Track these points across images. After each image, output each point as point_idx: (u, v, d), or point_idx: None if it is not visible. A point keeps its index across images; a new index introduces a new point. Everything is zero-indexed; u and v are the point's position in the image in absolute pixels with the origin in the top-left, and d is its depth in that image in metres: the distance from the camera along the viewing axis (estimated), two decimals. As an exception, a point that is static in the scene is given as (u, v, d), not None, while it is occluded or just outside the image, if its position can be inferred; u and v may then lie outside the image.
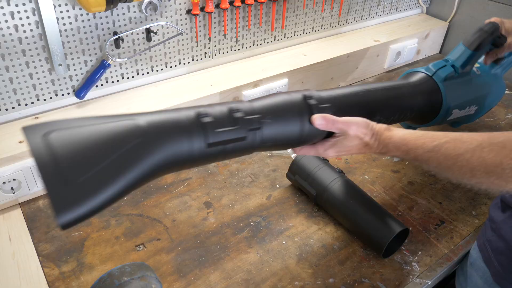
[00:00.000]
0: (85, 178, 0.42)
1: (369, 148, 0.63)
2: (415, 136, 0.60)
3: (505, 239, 0.70)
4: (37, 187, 0.81)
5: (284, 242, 0.77)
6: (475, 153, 0.52)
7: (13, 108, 0.87)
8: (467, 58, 0.90)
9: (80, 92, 0.91)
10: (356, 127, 0.62)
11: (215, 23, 1.05)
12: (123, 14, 0.90)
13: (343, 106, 0.68)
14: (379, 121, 0.72)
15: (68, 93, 0.92)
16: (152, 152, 0.48)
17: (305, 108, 0.62)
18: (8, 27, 0.78)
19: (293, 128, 0.61)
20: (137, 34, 0.94)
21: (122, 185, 0.45)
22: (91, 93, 0.94)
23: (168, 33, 0.99)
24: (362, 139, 0.63)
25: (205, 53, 1.08)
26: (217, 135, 0.53)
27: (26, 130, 0.44)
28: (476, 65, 1.00)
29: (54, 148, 0.43)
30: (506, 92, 1.30)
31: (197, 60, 1.08)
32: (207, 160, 0.55)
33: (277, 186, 0.89)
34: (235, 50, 1.14)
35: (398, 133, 0.62)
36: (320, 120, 0.61)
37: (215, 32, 1.07)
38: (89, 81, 0.91)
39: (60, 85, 0.90)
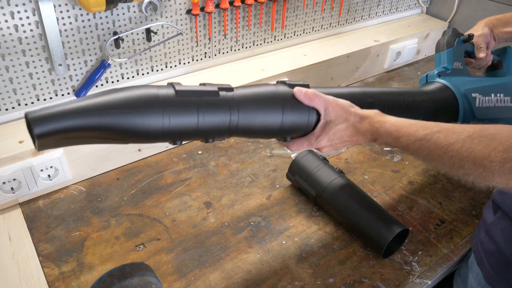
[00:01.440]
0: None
1: (360, 133, 0.62)
2: (407, 123, 0.59)
3: (495, 241, 0.70)
4: (37, 187, 0.81)
5: (284, 242, 0.77)
6: (465, 143, 0.52)
7: (13, 108, 0.87)
8: (447, 57, 0.90)
9: (80, 92, 0.91)
10: (336, 104, 0.62)
11: (215, 23, 1.05)
12: (123, 14, 0.90)
13: None
14: None
15: (68, 93, 0.92)
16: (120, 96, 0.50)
17: (287, 92, 0.62)
18: (8, 27, 0.78)
19: (274, 112, 0.60)
20: (137, 34, 0.94)
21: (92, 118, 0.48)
22: (91, 93, 0.94)
23: (168, 33, 0.99)
24: (348, 120, 0.62)
25: (205, 53, 1.08)
26: (185, 87, 0.55)
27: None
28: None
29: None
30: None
31: (197, 60, 1.08)
32: (176, 107, 0.54)
33: (277, 186, 0.89)
34: (235, 50, 1.14)
35: (390, 119, 0.61)
36: (299, 92, 0.62)
37: (215, 32, 1.07)
38: (89, 81, 0.91)
39: (60, 85, 0.90)
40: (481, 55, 0.92)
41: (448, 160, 0.53)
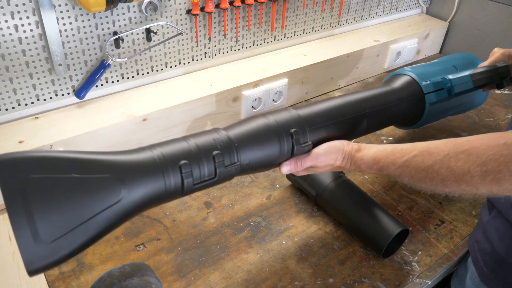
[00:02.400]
0: (58, 239, 0.43)
1: (343, 168, 0.66)
2: (385, 154, 0.61)
3: (490, 240, 0.70)
4: (37, 187, 0.81)
5: (284, 242, 0.77)
6: (443, 163, 0.53)
7: (13, 108, 0.87)
8: (466, 90, 0.86)
9: (80, 92, 0.91)
10: (325, 157, 0.65)
11: (215, 23, 1.05)
12: (123, 14, 0.90)
13: (325, 128, 0.69)
14: (367, 128, 0.75)
15: (68, 93, 0.92)
16: (127, 210, 0.48)
17: (287, 145, 0.64)
18: (8, 27, 0.78)
19: (269, 165, 0.64)
20: (137, 34, 0.94)
21: (93, 240, 0.46)
22: (91, 93, 0.94)
23: (168, 33, 0.99)
24: (333, 164, 0.66)
25: (205, 53, 1.08)
26: (193, 188, 0.55)
27: None
28: None
29: (29, 201, 0.42)
30: (505, 92, 1.30)
31: (197, 60, 1.08)
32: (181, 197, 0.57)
33: (277, 186, 0.89)
34: (235, 50, 1.14)
35: (368, 152, 0.63)
36: (286, 168, 0.65)
37: (215, 32, 1.07)
38: (89, 81, 0.91)
39: (60, 85, 0.90)
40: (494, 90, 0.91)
41: (430, 182, 0.55)
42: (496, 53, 0.86)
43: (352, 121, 0.72)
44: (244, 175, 0.64)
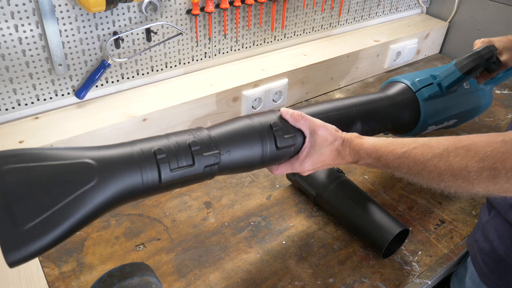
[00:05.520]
0: (35, 224, 0.43)
1: (342, 157, 0.64)
2: (385, 143, 0.61)
3: (489, 239, 0.71)
4: (37, 187, 0.81)
5: (284, 242, 0.77)
6: (442, 157, 0.53)
7: (13, 108, 0.87)
8: (455, 80, 0.86)
9: (80, 92, 0.91)
10: (324, 129, 0.64)
11: (215, 23, 1.05)
12: (123, 14, 0.90)
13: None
14: (362, 130, 0.75)
15: (68, 93, 0.92)
16: (103, 194, 0.48)
17: (268, 136, 0.62)
18: (8, 27, 0.78)
19: (254, 157, 0.61)
20: (137, 34, 0.94)
21: (72, 226, 0.46)
22: (91, 93, 0.94)
23: (168, 33, 0.99)
24: (333, 144, 0.64)
25: (205, 53, 1.08)
26: (171, 175, 0.53)
27: None
28: None
29: (7, 187, 0.43)
30: (505, 92, 1.30)
31: (197, 60, 1.08)
32: (162, 191, 0.55)
33: (277, 186, 0.89)
34: (235, 50, 1.14)
35: (368, 140, 0.63)
36: (286, 113, 0.65)
37: (215, 32, 1.07)
38: (89, 81, 0.91)
39: (60, 85, 0.90)
40: (489, 78, 0.89)
41: (427, 175, 0.55)
42: (477, 43, 0.88)
43: (340, 119, 0.72)
44: (230, 172, 0.61)
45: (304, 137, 0.65)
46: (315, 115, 0.69)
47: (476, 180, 0.50)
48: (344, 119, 0.73)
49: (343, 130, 0.67)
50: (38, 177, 0.44)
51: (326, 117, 0.70)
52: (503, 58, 0.87)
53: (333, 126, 0.66)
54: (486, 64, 0.83)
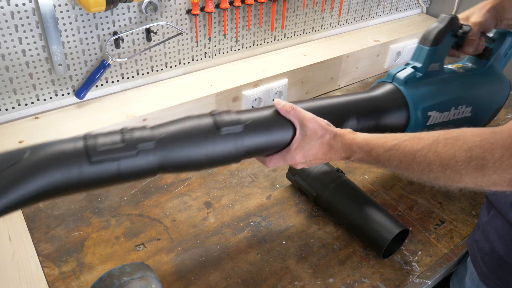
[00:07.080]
0: None
1: (334, 151, 0.64)
2: (377, 137, 0.61)
3: (489, 239, 0.71)
4: (37, 187, 0.81)
5: (284, 242, 0.77)
6: (431, 148, 0.53)
7: (13, 108, 0.87)
8: (426, 56, 0.84)
9: (80, 92, 0.91)
10: (314, 122, 0.64)
11: (215, 23, 1.05)
12: (123, 14, 0.90)
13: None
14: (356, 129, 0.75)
15: (68, 93, 0.92)
16: (32, 175, 0.49)
17: (209, 124, 0.60)
18: (8, 27, 0.78)
19: (199, 142, 0.59)
20: (137, 34, 0.94)
21: (7, 206, 0.47)
22: (91, 93, 0.94)
23: (168, 33, 0.99)
24: (323, 137, 0.64)
25: (205, 53, 1.08)
26: (101, 153, 0.52)
27: None
28: (460, 65, 0.96)
29: None
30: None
31: (197, 60, 1.08)
32: (100, 181, 0.54)
33: (277, 186, 0.89)
34: (235, 50, 1.14)
35: (361, 135, 0.63)
36: (278, 104, 0.65)
37: (215, 32, 1.07)
38: (89, 81, 0.91)
39: (60, 85, 0.90)
40: (469, 50, 0.86)
41: (417, 166, 0.55)
42: None
43: (328, 114, 0.72)
44: (172, 163, 0.58)
45: (295, 129, 0.65)
46: (308, 109, 0.69)
47: (464, 170, 0.50)
48: (334, 116, 0.73)
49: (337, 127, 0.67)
50: None
51: (317, 113, 0.70)
52: (472, 20, 0.84)
53: (325, 120, 0.66)
54: (451, 31, 0.83)
